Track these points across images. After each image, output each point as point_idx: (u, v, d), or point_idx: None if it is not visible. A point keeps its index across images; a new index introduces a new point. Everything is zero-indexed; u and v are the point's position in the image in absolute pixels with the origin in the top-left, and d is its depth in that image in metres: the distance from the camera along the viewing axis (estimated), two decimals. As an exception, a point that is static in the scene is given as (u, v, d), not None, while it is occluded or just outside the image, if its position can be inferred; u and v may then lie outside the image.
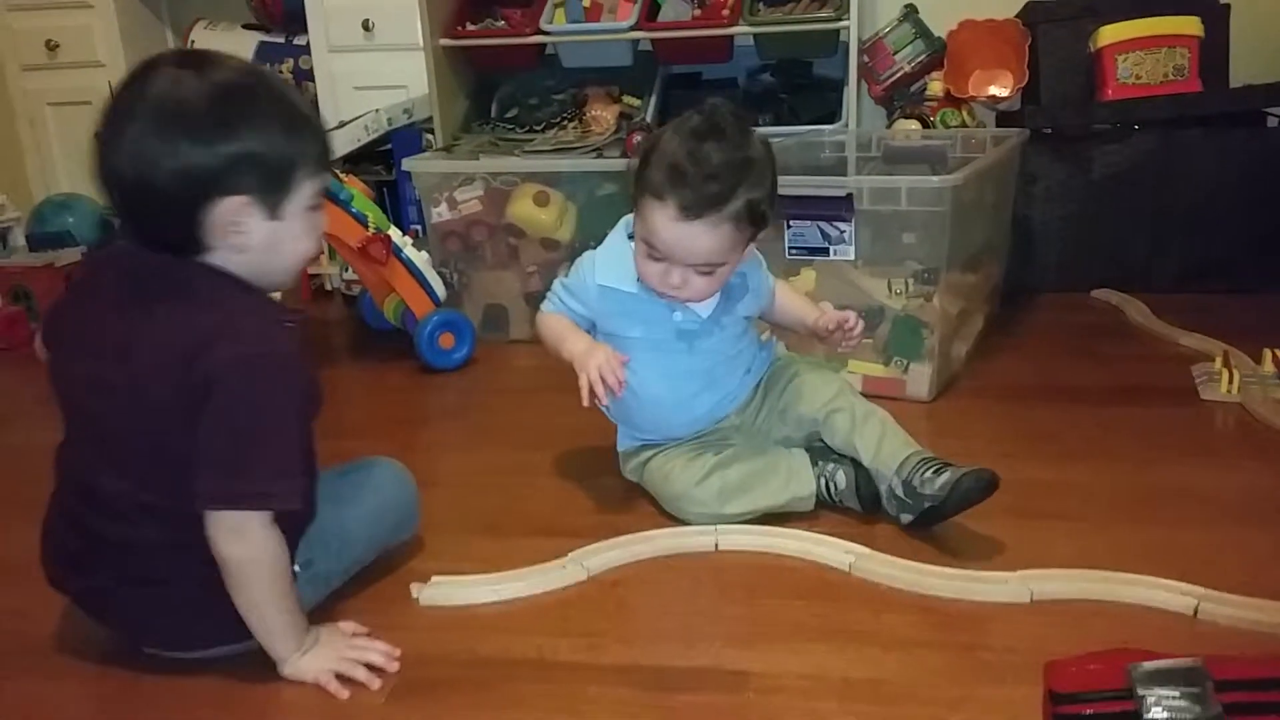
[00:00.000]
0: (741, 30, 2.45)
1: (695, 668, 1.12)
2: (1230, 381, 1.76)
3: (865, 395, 1.70)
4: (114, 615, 1.17)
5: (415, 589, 1.27)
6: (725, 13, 2.43)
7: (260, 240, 1.07)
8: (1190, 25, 2.35)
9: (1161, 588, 1.19)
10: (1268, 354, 1.82)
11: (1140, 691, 0.92)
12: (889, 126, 2.53)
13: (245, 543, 1.06)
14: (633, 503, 1.52)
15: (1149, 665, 0.94)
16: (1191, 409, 1.74)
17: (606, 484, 1.57)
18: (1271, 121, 2.39)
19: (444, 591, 1.27)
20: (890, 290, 1.82)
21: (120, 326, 1.06)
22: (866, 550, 1.30)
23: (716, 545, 1.36)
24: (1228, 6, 2.43)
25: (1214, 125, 2.30)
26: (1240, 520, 1.39)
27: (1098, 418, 1.70)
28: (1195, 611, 1.15)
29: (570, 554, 1.31)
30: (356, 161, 2.54)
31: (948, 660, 1.11)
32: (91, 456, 1.11)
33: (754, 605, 1.23)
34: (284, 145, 1.06)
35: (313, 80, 2.76)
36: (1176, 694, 0.91)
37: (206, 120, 1.02)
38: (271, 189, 1.06)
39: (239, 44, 2.85)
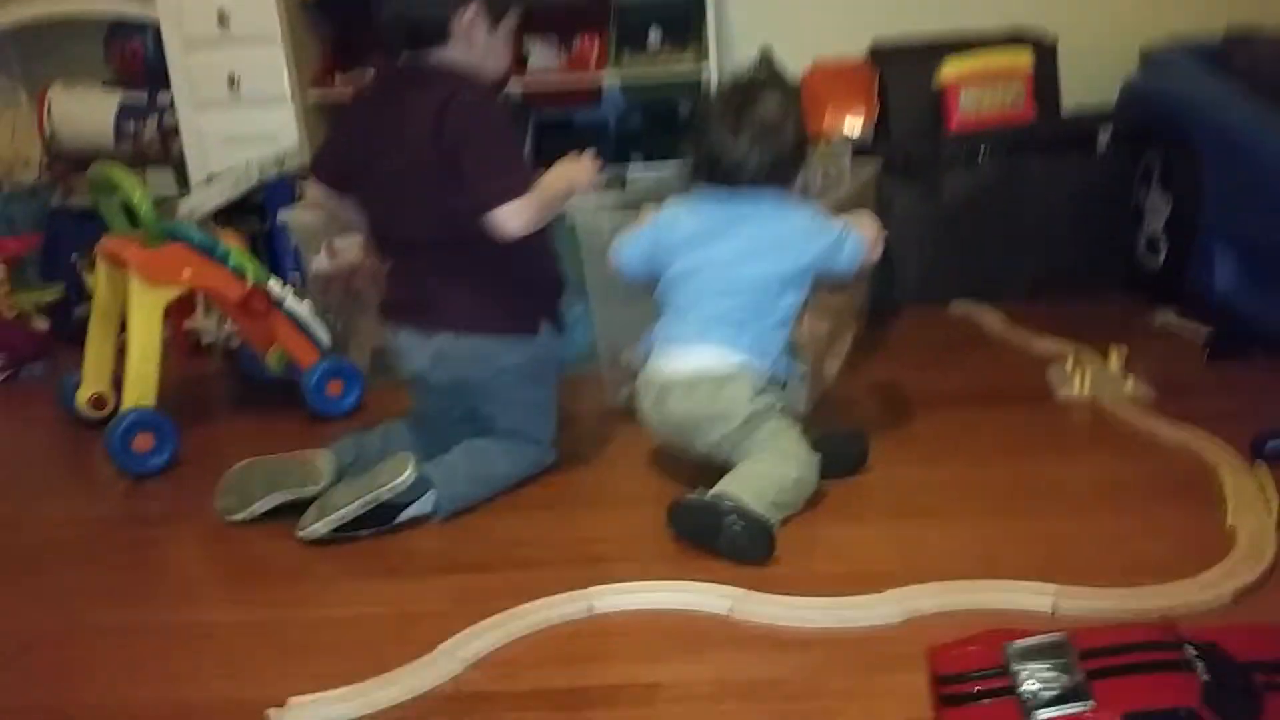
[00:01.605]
0: (609, 77, 2.53)
1: (607, 685, 1.16)
2: (1082, 380, 1.90)
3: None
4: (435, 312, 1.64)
5: (274, 715, 1.15)
6: (593, 60, 2.51)
7: (480, 48, 1.61)
8: (1023, 58, 2.54)
9: (1020, 590, 1.26)
10: (1113, 352, 1.98)
11: (1014, 667, 1.00)
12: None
13: (527, 213, 1.55)
14: (536, 534, 1.55)
15: (1020, 643, 1.02)
16: (1048, 408, 1.87)
17: (510, 519, 1.61)
18: (1101, 143, 2.58)
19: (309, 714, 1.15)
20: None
21: (390, 117, 1.61)
22: (743, 591, 1.31)
23: (591, 609, 1.32)
24: (1055, 40, 2.64)
25: (1050, 149, 2.48)
26: (1096, 507, 1.51)
27: (962, 420, 1.81)
28: (1053, 610, 1.24)
29: (440, 646, 1.24)
30: (230, 215, 2.51)
31: (841, 656, 1.18)
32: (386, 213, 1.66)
33: (639, 667, 1.22)
34: None
35: (178, 135, 2.73)
36: (1046, 666, 0.99)
37: None
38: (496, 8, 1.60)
39: (99, 104, 2.82)
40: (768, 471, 1.50)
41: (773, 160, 1.59)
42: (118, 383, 2.08)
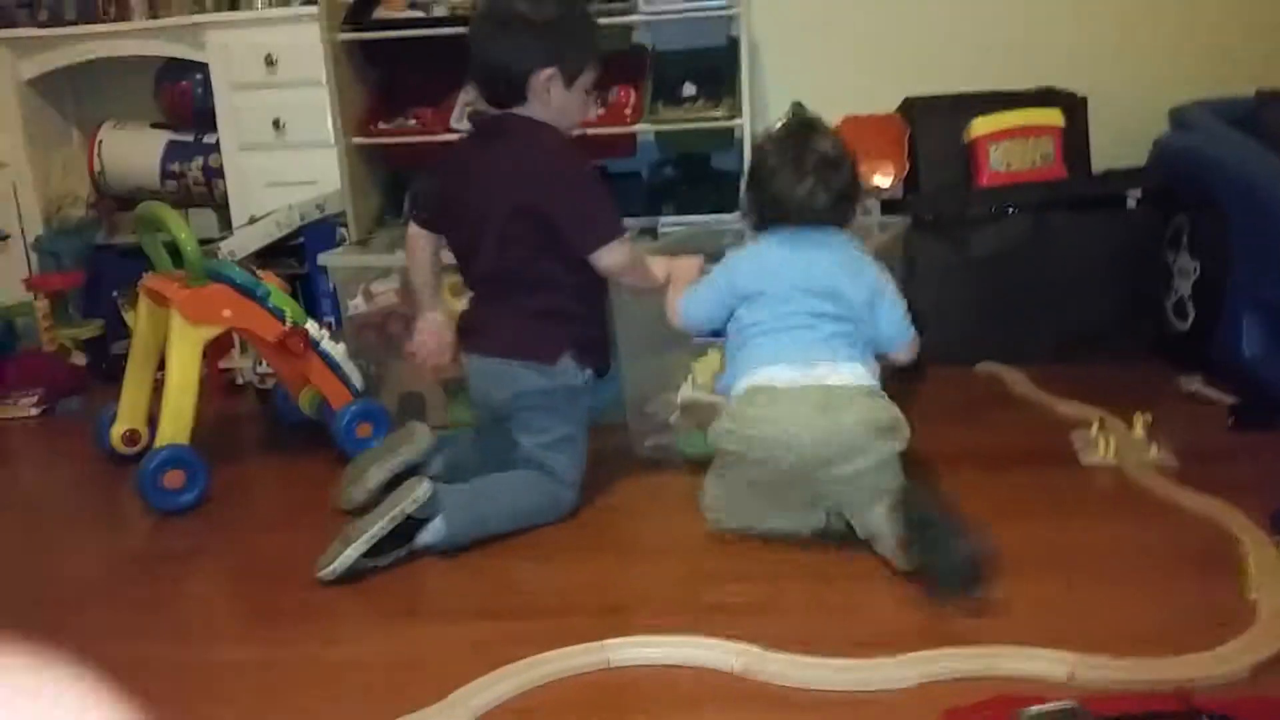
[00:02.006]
0: (644, 128, 2.58)
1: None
2: (1107, 446, 1.90)
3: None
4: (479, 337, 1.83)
5: None
6: (628, 112, 2.56)
7: (558, 103, 1.76)
8: (1053, 116, 2.56)
9: (1037, 657, 1.26)
10: (1138, 419, 1.97)
11: (1028, 734, 1.01)
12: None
13: (623, 254, 1.75)
14: (552, 582, 1.57)
15: (1033, 709, 1.03)
16: (1073, 473, 1.87)
17: (530, 568, 1.63)
18: (1130, 203, 2.59)
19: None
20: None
21: (477, 164, 1.80)
22: (757, 650, 1.31)
23: (608, 661, 1.33)
24: (1085, 99, 2.66)
25: (1079, 208, 2.49)
26: (1116, 575, 1.51)
27: (986, 483, 1.82)
28: (1069, 678, 1.23)
29: (452, 695, 1.25)
30: (268, 256, 2.57)
31: (851, 716, 1.19)
32: (467, 248, 1.85)
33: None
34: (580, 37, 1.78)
35: (223, 178, 2.80)
36: (1060, 734, 1.00)
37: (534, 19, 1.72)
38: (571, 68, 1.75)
39: (148, 143, 2.88)
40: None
41: (836, 196, 1.70)
42: (152, 420, 2.13)
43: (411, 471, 1.79)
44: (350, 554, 1.59)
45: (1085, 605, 1.41)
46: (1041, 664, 1.25)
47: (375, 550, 1.61)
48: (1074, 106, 2.63)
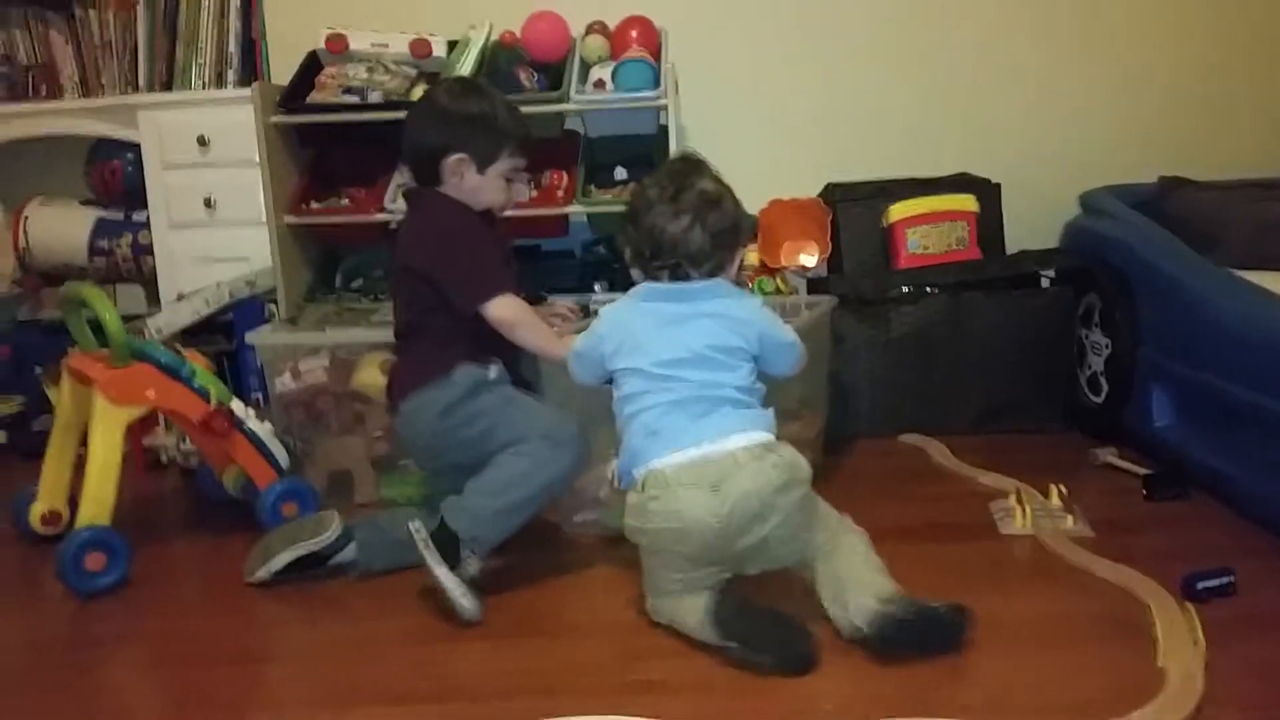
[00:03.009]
0: (575, 210, 2.64)
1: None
2: (1024, 516, 1.95)
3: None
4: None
5: None
6: (560, 194, 2.62)
7: (470, 185, 1.89)
8: (968, 202, 2.67)
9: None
10: (1054, 489, 2.04)
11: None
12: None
13: (509, 308, 1.85)
14: (481, 664, 1.56)
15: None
16: (991, 543, 1.92)
17: (457, 647, 1.61)
18: (1044, 283, 2.70)
19: None
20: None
21: (399, 236, 1.98)
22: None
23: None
24: (998, 185, 2.77)
25: (995, 287, 2.59)
26: (1033, 644, 1.54)
27: (908, 554, 1.82)
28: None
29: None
30: (197, 333, 2.55)
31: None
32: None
33: None
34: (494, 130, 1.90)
35: (152, 254, 2.78)
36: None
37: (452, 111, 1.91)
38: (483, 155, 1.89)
39: (76, 220, 2.87)
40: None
41: (714, 235, 1.64)
42: (73, 501, 2.08)
43: (319, 559, 1.86)
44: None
45: (1002, 675, 1.44)
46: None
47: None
48: (988, 192, 2.75)
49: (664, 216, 1.65)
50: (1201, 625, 1.48)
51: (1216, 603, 1.60)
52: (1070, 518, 1.95)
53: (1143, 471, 2.18)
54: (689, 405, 1.61)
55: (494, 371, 1.89)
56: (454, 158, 1.88)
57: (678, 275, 1.67)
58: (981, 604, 1.64)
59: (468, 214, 1.91)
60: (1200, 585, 1.62)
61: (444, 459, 1.90)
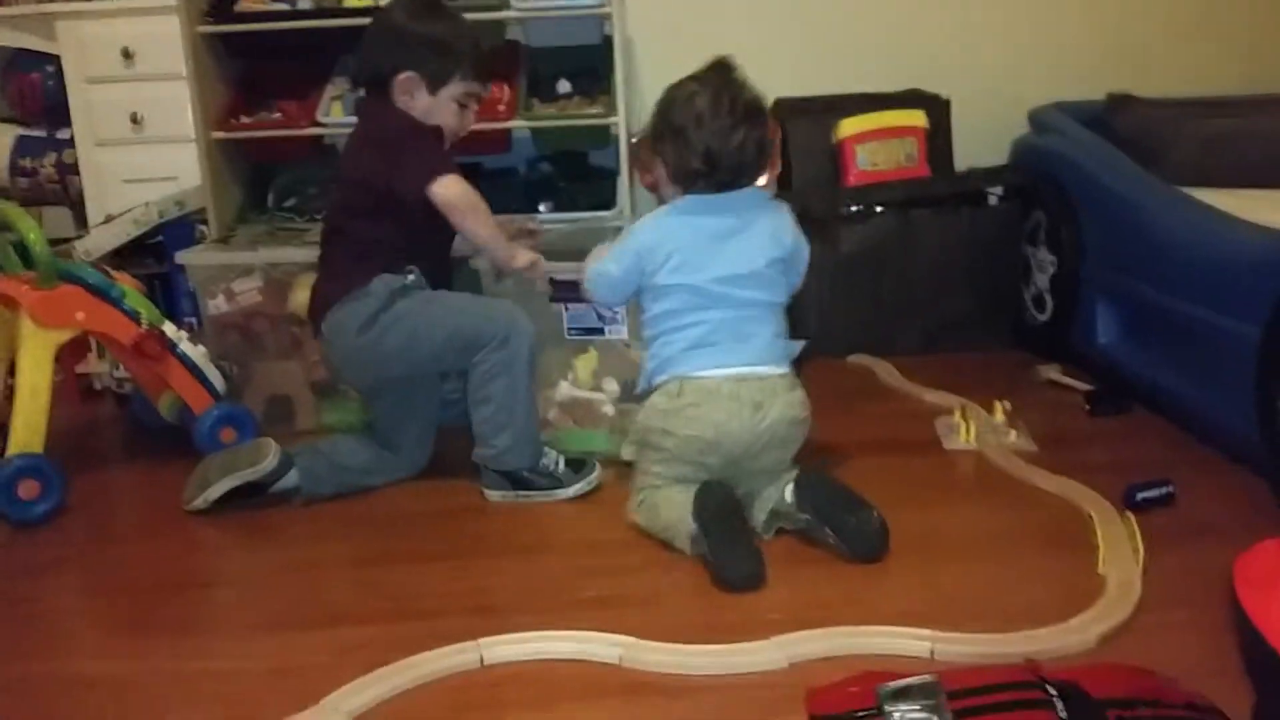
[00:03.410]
0: (518, 125, 2.57)
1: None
2: (968, 432, 1.97)
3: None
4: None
5: None
6: (501, 108, 2.54)
7: (421, 106, 1.83)
8: (917, 118, 2.64)
9: (901, 635, 1.30)
10: (998, 406, 2.06)
11: (887, 708, 1.04)
12: (661, 211, 2.70)
13: (455, 188, 1.77)
14: (429, 585, 1.54)
15: (892, 684, 1.06)
16: (936, 458, 1.94)
17: (403, 570, 1.59)
18: (991, 200, 2.70)
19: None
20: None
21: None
22: (632, 640, 1.32)
23: (481, 660, 1.31)
24: (948, 101, 2.75)
25: (943, 205, 2.58)
26: (976, 555, 1.56)
27: (857, 469, 1.85)
28: (931, 654, 1.27)
29: (325, 699, 1.22)
30: (126, 255, 2.47)
31: (729, 701, 1.21)
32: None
33: (530, 716, 1.22)
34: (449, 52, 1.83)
35: (78, 174, 2.68)
36: (917, 706, 1.03)
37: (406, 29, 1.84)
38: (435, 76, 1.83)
39: (-6, 137, 2.74)
40: None
41: (759, 146, 1.66)
42: (3, 427, 2.01)
43: (258, 488, 1.80)
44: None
45: (946, 585, 1.46)
46: (904, 642, 1.29)
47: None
48: (937, 108, 2.72)
49: (720, 131, 1.62)
50: (1141, 534, 1.51)
51: (1156, 512, 1.64)
52: (1014, 433, 1.97)
53: (1085, 387, 2.21)
54: (738, 324, 1.64)
55: (410, 278, 1.83)
56: (404, 75, 1.82)
57: (725, 189, 1.65)
58: (927, 516, 1.68)
59: (407, 116, 1.85)
60: (1140, 495, 1.65)
61: (374, 375, 1.86)
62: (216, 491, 1.80)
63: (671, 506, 1.59)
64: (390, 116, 1.85)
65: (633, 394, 1.79)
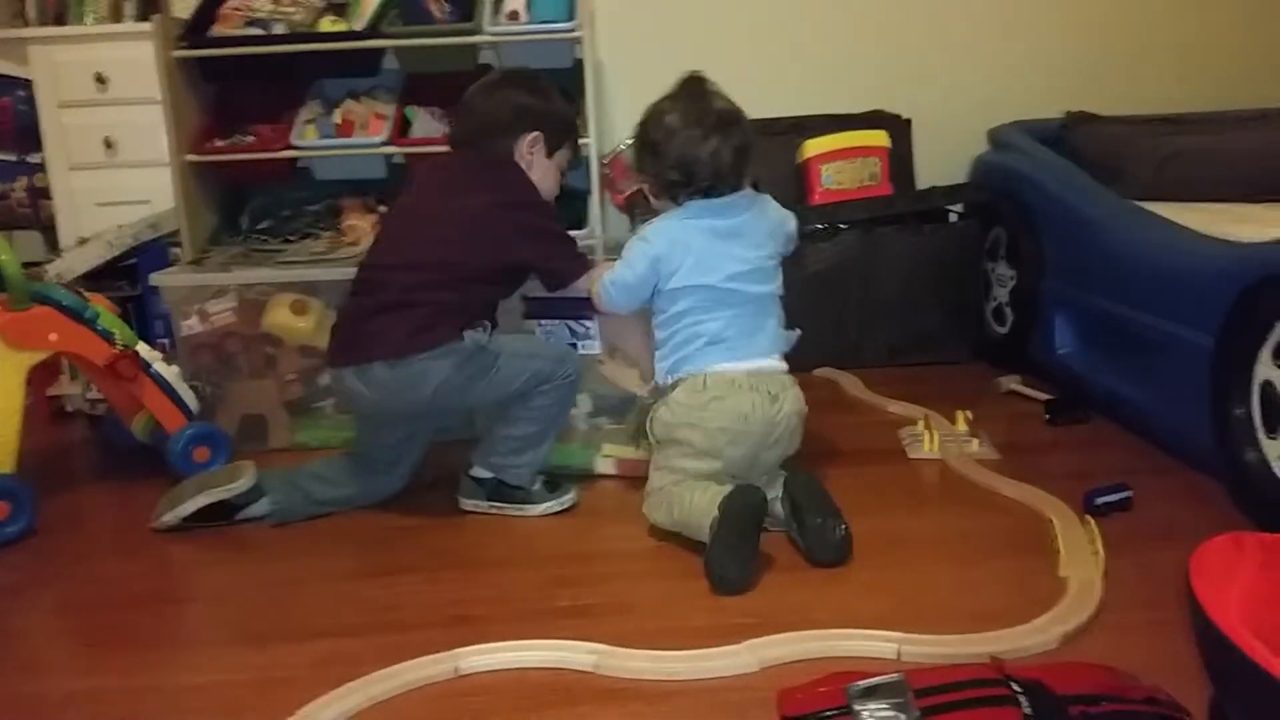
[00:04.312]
0: (488, 146, 2.59)
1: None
2: (931, 441, 2.01)
3: (619, 476, 1.87)
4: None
5: None
6: (472, 129, 2.57)
7: (538, 165, 1.88)
8: (879, 138, 2.70)
9: (868, 637, 1.34)
10: (960, 415, 2.10)
11: (856, 706, 1.07)
12: (631, 231, 2.73)
13: (596, 279, 1.83)
14: (405, 597, 1.56)
15: (861, 684, 1.09)
16: (900, 467, 1.98)
17: (378, 584, 1.61)
18: (952, 217, 2.76)
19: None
20: (641, 379, 1.97)
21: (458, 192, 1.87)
22: (607, 647, 1.34)
23: (456, 669, 1.33)
24: (909, 121, 2.81)
25: (906, 223, 2.64)
26: (941, 559, 1.60)
27: (824, 478, 1.86)
28: (898, 654, 1.31)
29: (302, 710, 1.24)
30: (99, 278, 2.47)
31: (702, 705, 1.23)
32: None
33: None
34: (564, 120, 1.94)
35: (49, 198, 2.68)
36: (885, 705, 1.06)
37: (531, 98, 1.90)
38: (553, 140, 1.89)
39: (-37, 162, 2.74)
40: None
41: (737, 151, 1.71)
42: (-27, 449, 2.01)
43: (228, 509, 1.83)
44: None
45: (912, 588, 1.50)
46: (871, 644, 1.33)
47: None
48: (899, 128, 2.78)
49: (691, 142, 1.70)
50: (1101, 537, 1.55)
51: (1115, 516, 1.69)
52: (976, 441, 2.02)
53: (1045, 397, 2.26)
54: (748, 319, 1.73)
55: (489, 331, 1.83)
56: (533, 135, 1.87)
57: (709, 195, 1.73)
58: (892, 523, 1.72)
59: (538, 191, 1.90)
60: (1099, 500, 1.70)
61: (416, 410, 1.84)
62: (188, 508, 1.81)
63: (692, 501, 1.63)
64: (532, 191, 1.87)
65: (645, 394, 1.84)
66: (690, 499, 1.63)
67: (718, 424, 1.67)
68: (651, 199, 1.83)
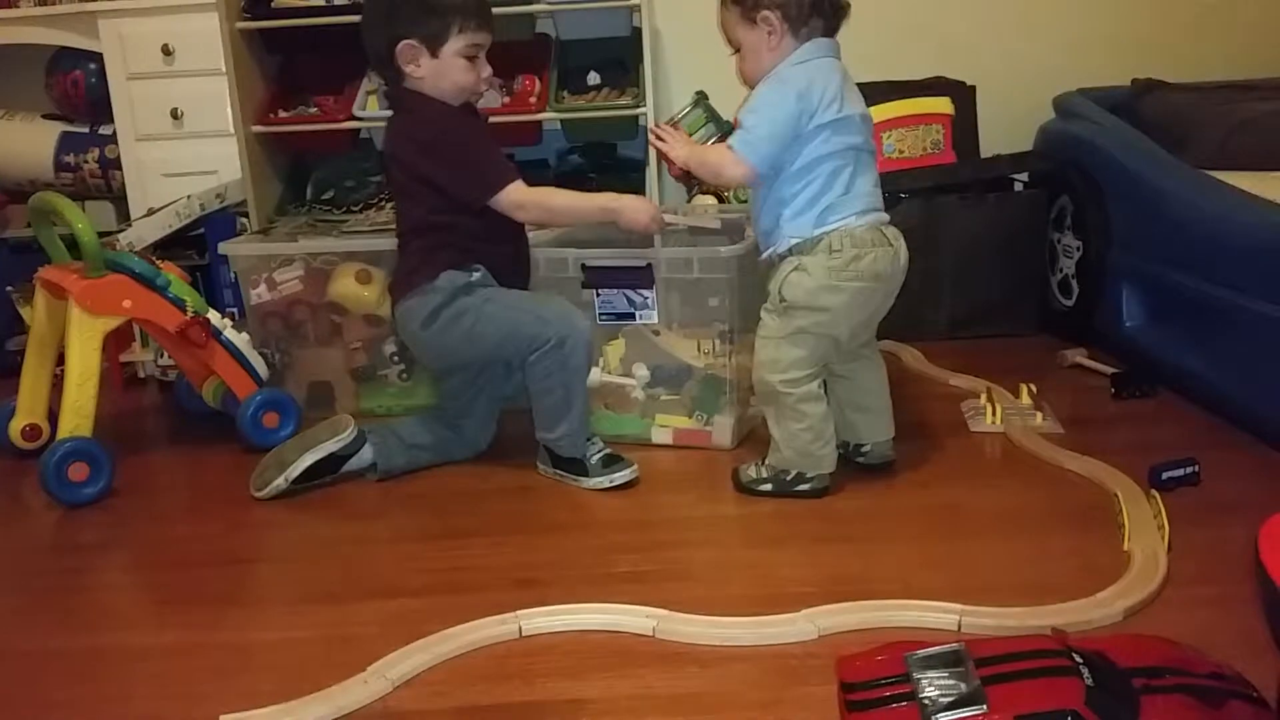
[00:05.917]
0: (548, 116, 2.61)
1: (533, 701, 1.21)
2: (994, 414, 1.99)
3: (675, 446, 1.87)
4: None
5: None
6: (533, 100, 2.58)
7: (428, 72, 1.80)
8: (943, 105, 2.66)
9: (928, 609, 1.34)
10: (1024, 389, 2.08)
11: (915, 675, 1.07)
12: (689, 202, 2.73)
13: (517, 194, 1.81)
14: (471, 560, 1.59)
15: (920, 652, 1.09)
16: (963, 440, 1.96)
17: (444, 546, 1.64)
18: (1017, 186, 2.71)
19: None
20: (699, 350, 1.98)
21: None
22: (665, 612, 1.36)
23: (520, 630, 1.36)
24: (974, 88, 2.76)
25: (969, 192, 2.60)
26: (1004, 533, 1.59)
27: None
28: (959, 626, 1.31)
29: (371, 667, 1.27)
30: (168, 247, 2.53)
31: (759, 671, 1.24)
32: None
33: (565, 684, 1.25)
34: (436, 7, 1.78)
35: (120, 169, 2.74)
36: (944, 674, 1.06)
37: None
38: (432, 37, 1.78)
39: (40, 134, 2.80)
40: None
41: None
42: (52, 416, 2.08)
43: (336, 462, 1.86)
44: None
45: (974, 562, 1.49)
46: (931, 615, 1.33)
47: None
48: (963, 95, 2.73)
49: None
50: (1166, 512, 1.53)
51: (1181, 491, 1.66)
52: (1039, 415, 1.99)
53: (1110, 371, 2.22)
54: (869, 170, 1.72)
55: (476, 275, 1.86)
56: (401, 45, 1.80)
57: (830, 31, 1.71)
58: (953, 495, 1.71)
59: (447, 110, 1.86)
60: (1165, 475, 1.67)
61: (444, 360, 1.94)
62: (298, 468, 1.83)
63: (810, 445, 1.70)
64: (421, 113, 1.85)
65: (763, 258, 1.78)
66: (808, 442, 1.69)
67: (860, 282, 1.67)
68: (766, 39, 1.68)
